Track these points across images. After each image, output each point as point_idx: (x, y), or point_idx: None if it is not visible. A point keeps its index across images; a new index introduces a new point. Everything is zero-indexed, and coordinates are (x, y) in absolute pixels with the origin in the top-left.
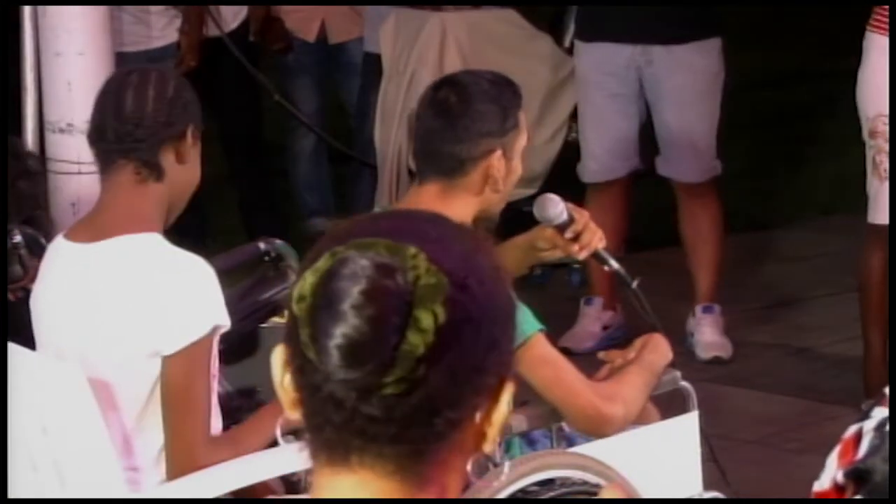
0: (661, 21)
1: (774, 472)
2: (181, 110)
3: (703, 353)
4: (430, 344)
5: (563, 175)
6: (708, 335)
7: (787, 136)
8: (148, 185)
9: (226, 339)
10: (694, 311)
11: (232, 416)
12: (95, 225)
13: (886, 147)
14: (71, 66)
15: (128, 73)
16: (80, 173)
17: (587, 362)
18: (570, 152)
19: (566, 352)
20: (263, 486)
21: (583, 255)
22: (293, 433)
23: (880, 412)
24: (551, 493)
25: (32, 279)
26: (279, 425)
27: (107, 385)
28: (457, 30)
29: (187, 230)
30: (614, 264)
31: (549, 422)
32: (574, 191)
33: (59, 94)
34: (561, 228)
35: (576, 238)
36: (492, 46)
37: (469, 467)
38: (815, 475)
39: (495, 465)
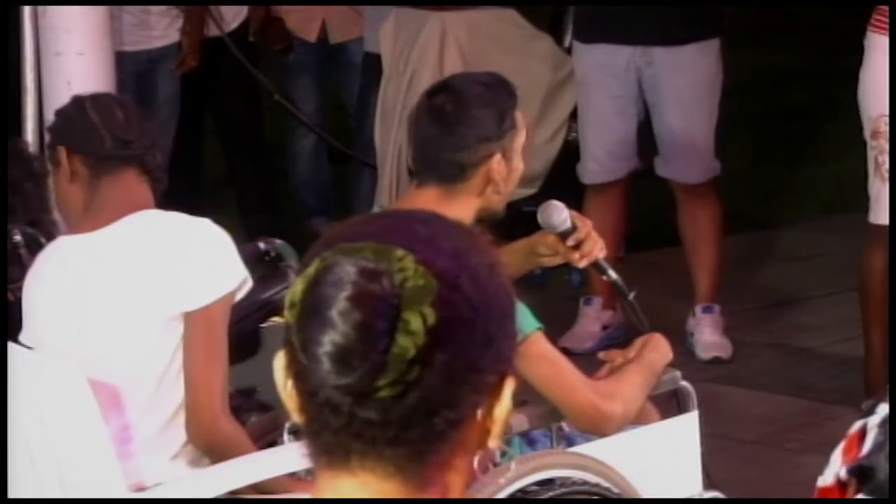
0: (661, 22)
1: (774, 472)
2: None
3: (703, 353)
4: (422, 345)
5: (563, 175)
6: (708, 335)
7: (787, 136)
8: (147, 185)
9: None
10: (694, 311)
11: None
12: (98, 217)
13: (888, 147)
14: (71, 66)
15: (99, 96)
16: None
17: (587, 362)
18: (570, 152)
19: (566, 352)
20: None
21: (583, 264)
22: (296, 433)
23: (884, 409)
24: (551, 493)
25: None
26: (285, 430)
27: (112, 372)
28: (457, 30)
29: None
30: (613, 275)
31: (549, 421)
32: (574, 191)
33: (59, 94)
34: (563, 236)
35: (577, 246)
36: (492, 46)
37: (476, 464)
38: (815, 475)
39: (495, 465)
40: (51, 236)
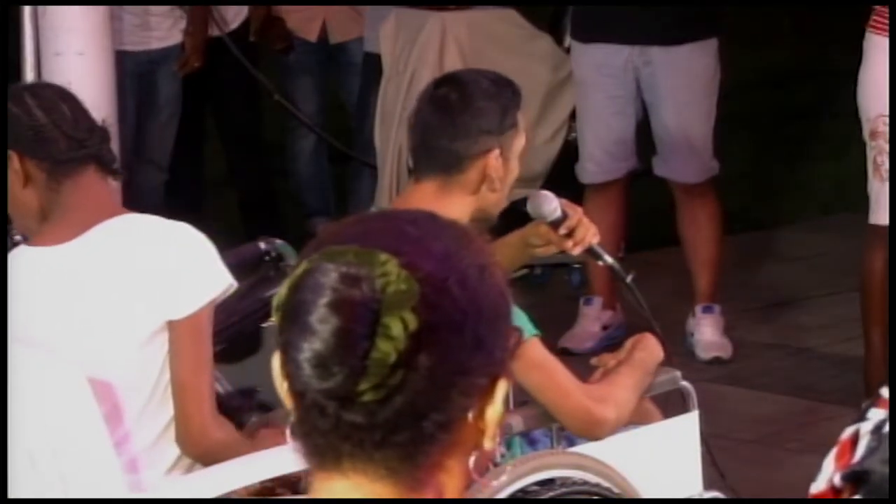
0: (659, 22)
1: (774, 472)
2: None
3: (703, 353)
4: (403, 350)
5: (563, 175)
6: (708, 335)
7: (787, 136)
8: (107, 180)
9: (226, 338)
10: (694, 311)
11: (232, 415)
12: (66, 226)
13: (887, 148)
14: (71, 66)
15: (39, 91)
16: None
17: (587, 362)
18: (570, 152)
19: (566, 352)
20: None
21: (577, 251)
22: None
23: (876, 414)
24: (551, 493)
25: None
26: (287, 427)
27: (106, 382)
28: (457, 30)
29: None
30: (609, 259)
31: (549, 422)
32: (573, 191)
33: None
34: (555, 225)
35: (570, 234)
36: (492, 46)
37: (472, 465)
38: (815, 475)
39: (495, 465)
40: None
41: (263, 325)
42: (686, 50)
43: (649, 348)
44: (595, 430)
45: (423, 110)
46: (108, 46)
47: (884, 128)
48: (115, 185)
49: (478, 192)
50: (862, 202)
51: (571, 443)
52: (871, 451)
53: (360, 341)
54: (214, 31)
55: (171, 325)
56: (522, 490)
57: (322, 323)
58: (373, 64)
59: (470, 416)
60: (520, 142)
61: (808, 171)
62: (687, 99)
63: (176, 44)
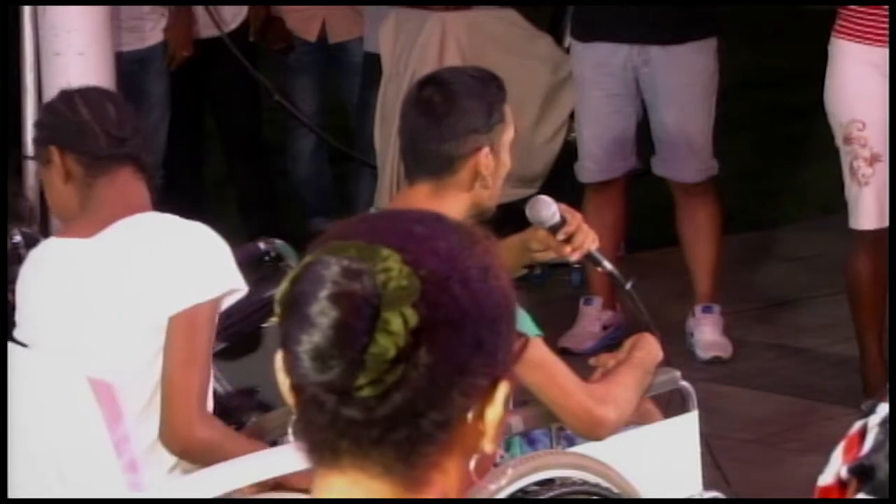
0: (659, 21)
1: (774, 472)
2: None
3: (703, 353)
4: (403, 346)
5: (563, 175)
6: (708, 335)
7: (787, 136)
8: (143, 182)
9: (226, 338)
10: (694, 311)
11: (232, 416)
12: (94, 221)
13: (864, 153)
14: (71, 66)
15: (88, 91)
16: None
17: (587, 362)
18: (571, 152)
19: (566, 352)
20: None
21: (575, 257)
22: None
23: (884, 408)
24: (551, 493)
25: None
26: (290, 424)
27: (109, 380)
28: (457, 30)
29: None
30: (608, 265)
31: (549, 422)
32: (574, 191)
33: None
34: (553, 230)
35: (568, 240)
36: (492, 46)
37: (472, 467)
38: (815, 475)
39: (495, 465)
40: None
41: (263, 325)
42: (685, 49)
43: (648, 348)
44: (596, 431)
45: (409, 114)
46: (108, 46)
47: (858, 133)
48: (151, 188)
49: (471, 189)
50: None
51: (571, 442)
52: (878, 445)
53: (359, 335)
54: (214, 32)
55: (168, 320)
56: (522, 490)
57: (321, 315)
58: (373, 64)
59: (469, 416)
60: (508, 135)
61: (808, 171)
62: (686, 98)
63: (159, 42)
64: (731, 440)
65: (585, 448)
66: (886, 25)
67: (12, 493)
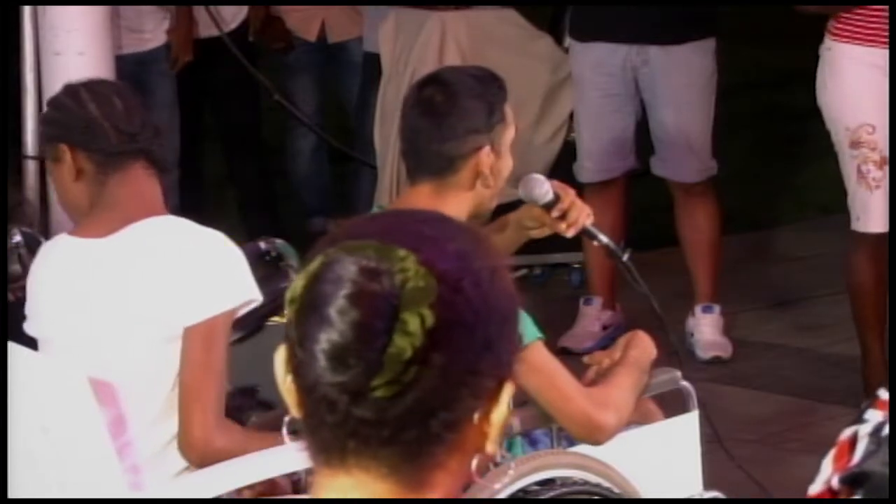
0: (658, 21)
1: (774, 472)
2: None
3: (703, 353)
4: (419, 347)
5: (563, 175)
6: (708, 335)
7: (787, 136)
8: (155, 178)
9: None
10: (694, 311)
11: (232, 416)
12: (107, 220)
13: (874, 156)
14: (71, 66)
15: (94, 85)
16: None
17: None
18: (570, 152)
19: (566, 351)
20: (272, 484)
21: (571, 233)
22: (296, 432)
23: (874, 415)
24: (552, 493)
25: None
26: (285, 424)
27: (117, 382)
28: (457, 30)
29: None
30: (604, 239)
31: (549, 422)
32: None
33: None
34: (548, 207)
35: (563, 216)
36: (492, 46)
37: (473, 467)
38: (815, 475)
39: (496, 465)
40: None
41: (264, 324)
42: (684, 49)
43: (643, 346)
44: (596, 435)
45: (410, 114)
46: (108, 46)
47: (867, 136)
48: (163, 184)
49: (473, 189)
50: None
51: (572, 442)
52: (869, 454)
53: (378, 336)
54: (213, 31)
55: (185, 331)
56: (523, 490)
57: (341, 315)
58: (372, 64)
59: (476, 417)
60: (510, 134)
61: (808, 171)
62: (685, 98)
63: (162, 44)
64: (732, 440)
65: (586, 448)
66: (887, 26)
67: (12, 493)
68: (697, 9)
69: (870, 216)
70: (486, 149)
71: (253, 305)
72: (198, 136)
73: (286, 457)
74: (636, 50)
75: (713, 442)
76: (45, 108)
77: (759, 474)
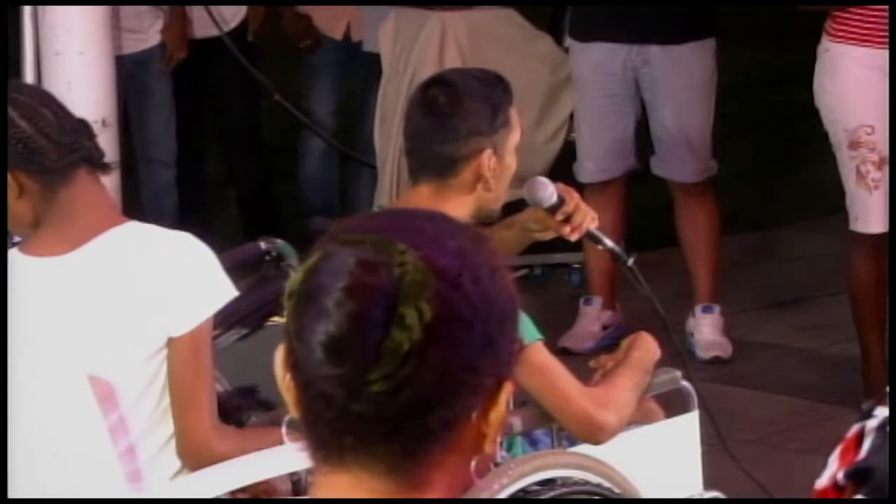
0: (658, 21)
1: (774, 472)
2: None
3: (703, 353)
4: (417, 341)
5: (563, 175)
6: (708, 335)
7: (787, 136)
8: (99, 180)
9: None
10: (694, 311)
11: (232, 415)
12: (64, 236)
13: (872, 157)
14: (71, 66)
15: (17, 99)
16: None
17: (586, 363)
18: (570, 152)
19: (566, 351)
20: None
21: (575, 237)
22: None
23: (882, 411)
24: (552, 493)
25: None
26: (284, 423)
27: (112, 392)
28: (457, 30)
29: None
30: (608, 242)
31: (550, 422)
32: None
33: (59, 94)
34: (552, 210)
35: (567, 219)
36: (492, 46)
37: (472, 468)
38: (815, 475)
39: (496, 465)
40: None
41: (263, 325)
42: (684, 49)
43: (646, 347)
44: (597, 435)
45: (414, 114)
46: (108, 46)
47: (867, 137)
48: (112, 184)
49: (473, 191)
50: None
51: (572, 442)
52: (876, 449)
53: (375, 328)
54: (213, 31)
55: (172, 340)
56: (523, 490)
57: (338, 306)
58: (373, 64)
59: (474, 416)
60: (514, 138)
61: (808, 171)
62: (685, 98)
63: (157, 44)
64: (732, 440)
65: (586, 448)
66: (884, 26)
67: (12, 493)
68: (698, 9)
69: (869, 217)
70: (488, 151)
71: (231, 297)
72: (198, 136)
73: (286, 457)
74: (636, 50)
75: (713, 442)
76: None
77: (760, 474)
